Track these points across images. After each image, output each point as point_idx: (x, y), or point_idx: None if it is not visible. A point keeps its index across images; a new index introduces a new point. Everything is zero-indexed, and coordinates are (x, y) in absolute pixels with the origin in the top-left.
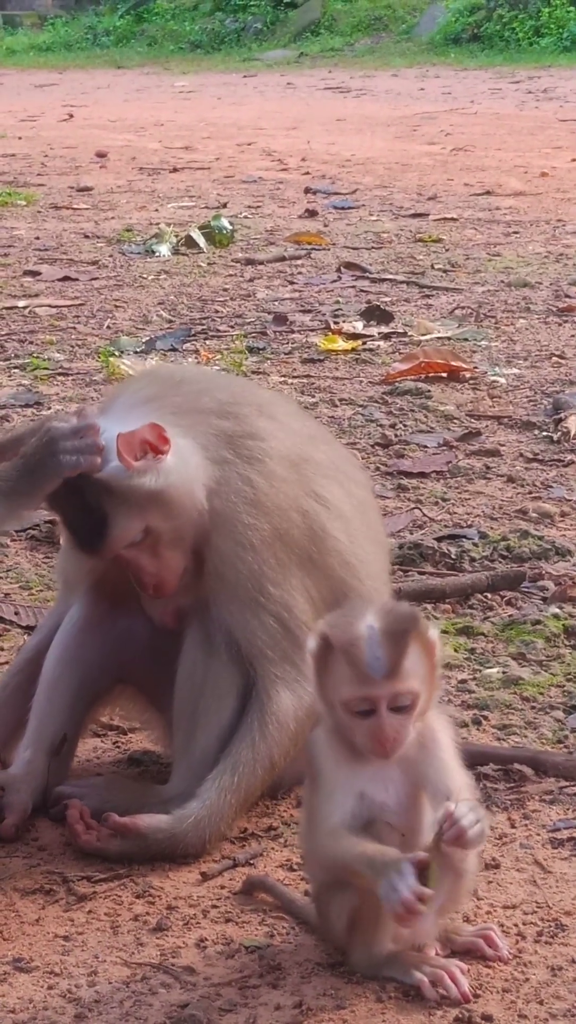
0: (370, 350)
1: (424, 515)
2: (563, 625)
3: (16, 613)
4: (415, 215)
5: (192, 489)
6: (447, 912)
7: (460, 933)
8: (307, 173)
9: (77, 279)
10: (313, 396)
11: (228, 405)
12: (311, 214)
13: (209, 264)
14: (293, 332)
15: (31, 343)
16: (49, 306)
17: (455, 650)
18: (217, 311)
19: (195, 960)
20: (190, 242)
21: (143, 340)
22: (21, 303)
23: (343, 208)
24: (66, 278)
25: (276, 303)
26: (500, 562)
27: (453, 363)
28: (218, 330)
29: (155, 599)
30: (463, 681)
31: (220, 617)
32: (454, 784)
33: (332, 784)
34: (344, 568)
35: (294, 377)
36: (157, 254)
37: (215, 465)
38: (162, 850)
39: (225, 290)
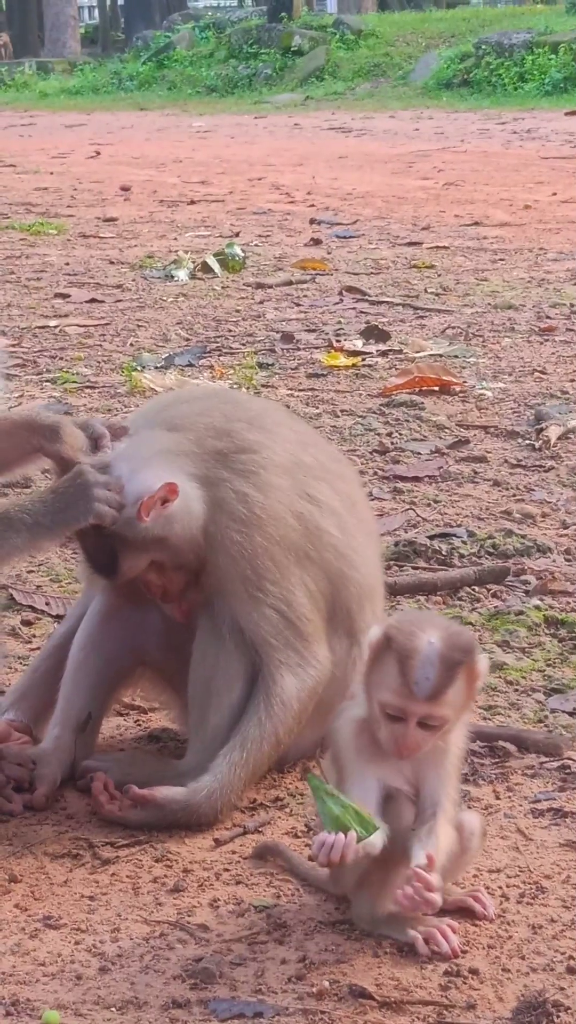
0: (369, 366)
1: (418, 515)
2: (544, 616)
3: (47, 604)
4: (410, 244)
5: (192, 527)
6: (448, 880)
7: (450, 893)
8: (312, 205)
9: (103, 301)
10: (317, 407)
11: (222, 425)
12: (316, 243)
13: (223, 288)
14: (299, 349)
15: (61, 359)
16: (77, 325)
17: None
18: (230, 330)
19: (208, 918)
20: (206, 268)
21: (163, 356)
22: (52, 323)
23: (345, 237)
24: (93, 300)
25: (284, 323)
26: (487, 558)
27: (444, 378)
28: (231, 347)
29: (164, 603)
30: None
31: (225, 611)
32: (443, 797)
33: (355, 772)
34: (340, 560)
35: (300, 390)
36: (175, 279)
37: (211, 488)
38: (178, 819)
39: (237, 311)
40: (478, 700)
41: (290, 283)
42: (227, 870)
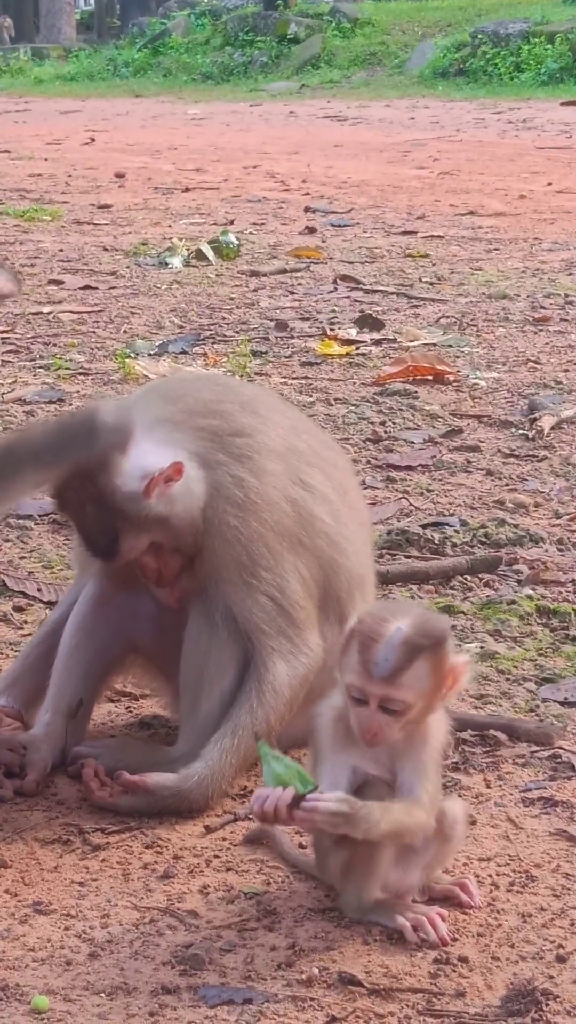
0: (363, 354)
1: (410, 504)
2: (536, 605)
3: (39, 590)
4: (405, 233)
5: (193, 508)
6: (433, 870)
7: (439, 882)
8: (307, 194)
9: (97, 288)
10: (311, 396)
11: (213, 404)
12: (310, 231)
13: (217, 275)
14: (293, 338)
15: (55, 345)
16: (71, 312)
17: None
18: (224, 318)
19: (198, 905)
20: (200, 255)
21: (156, 344)
22: (46, 309)
23: (339, 226)
24: (87, 287)
25: (278, 311)
26: (479, 547)
27: (438, 367)
28: (225, 335)
29: (158, 587)
30: None
31: (218, 598)
32: (418, 786)
33: (328, 758)
34: (332, 547)
35: (293, 378)
36: (170, 266)
37: (209, 470)
38: (169, 805)
39: (231, 299)
40: (466, 690)
41: (284, 271)
42: (217, 856)
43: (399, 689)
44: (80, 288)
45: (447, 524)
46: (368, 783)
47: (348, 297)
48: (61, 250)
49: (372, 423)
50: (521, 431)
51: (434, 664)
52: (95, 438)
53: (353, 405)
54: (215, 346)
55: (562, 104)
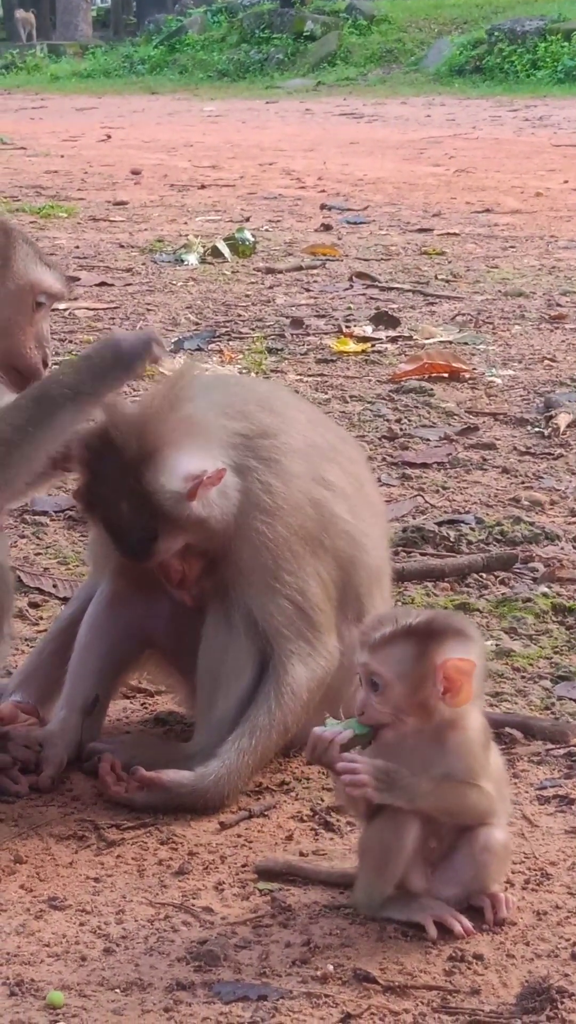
0: (378, 352)
1: (426, 502)
2: (551, 603)
3: (54, 586)
4: (421, 230)
5: (228, 512)
6: (473, 893)
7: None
8: (323, 191)
9: (113, 285)
10: (326, 393)
11: (237, 404)
12: (326, 228)
13: (233, 272)
14: (308, 335)
15: (71, 342)
16: (87, 309)
17: None
18: (240, 315)
19: (213, 901)
20: (216, 252)
21: (172, 340)
22: (62, 305)
23: (355, 223)
24: (103, 283)
25: (293, 308)
26: (495, 545)
27: (454, 364)
28: (240, 332)
29: (179, 589)
30: None
31: (239, 600)
32: (466, 773)
33: None
34: (351, 545)
35: (309, 376)
36: (185, 263)
37: (240, 475)
38: (184, 803)
39: (247, 296)
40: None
41: (300, 268)
42: (232, 853)
43: (379, 661)
44: (96, 285)
45: (463, 521)
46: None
47: (364, 294)
48: (77, 247)
49: (388, 420)
50: (537, 429)
51: (420, 651)
52: (122, 357)
53: (369, 402)
54: (230, 343)
55: None
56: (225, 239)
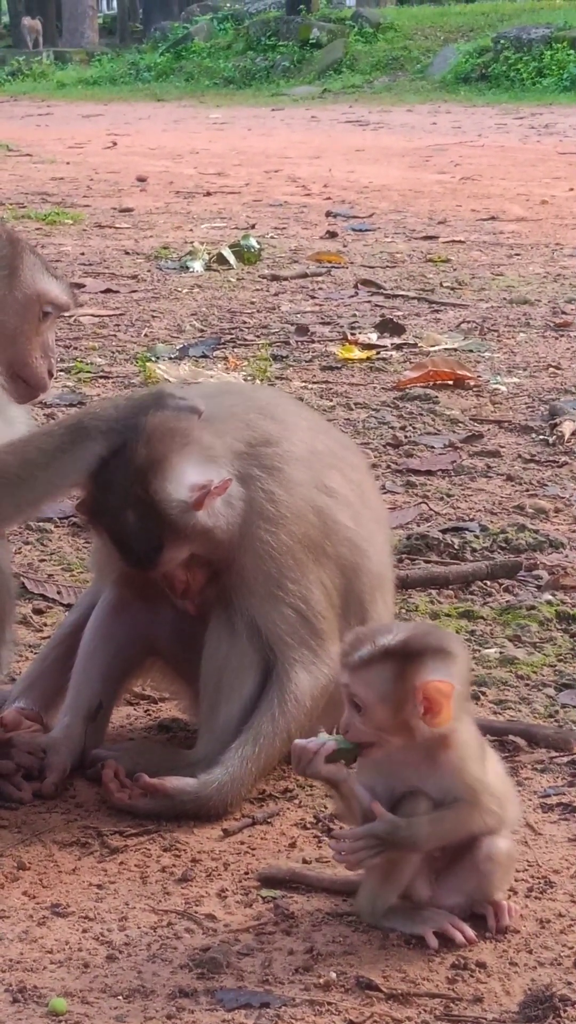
0: (383, 359)
1: (430, 509)
2: (555, 611)
3: (58, 592)
4: (426, 237)
5: (233, 522)
6: (477, 901)
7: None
8: (328, 198)
9: (118, 291)
10: (331, 400)
11: (239, 413)
12: (331, 235)
13: (238, 280)
14: (313, 342)
15: (75, 348)
16: (92, 315)
17: (456, 632)
18: (245, 322)
19: (216, 908)
20: (221, 259)
21: (177, 347)
22: (66, 312)
23: (360, 230)
24: (108, 290)
25: (298, 315)
26: (499, 553)
27: (459, 372)
28: (245, 339)
29: (182, 599)
30: None
31: (242, 607)
32: (463, 790)
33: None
34: (354, 552)
35: (314, 383)
36: (191, 270)
37: (244, 485)
38: (187, 810)
39: (252, 303)
40: (484, 695)
41: (305, 275)
42: (235, 860)
43: (358, 684)
44: (101, 292)
45: (467, 529)
46: (412, 794)
47: (369, 302)
48: (83, 253)
49: (392, 428)
50: (541, 436)
51: (398, 673)
52: (165, 408)
53: (373, 410)
54: (235, 350)
55: None
56: (230, 246)
